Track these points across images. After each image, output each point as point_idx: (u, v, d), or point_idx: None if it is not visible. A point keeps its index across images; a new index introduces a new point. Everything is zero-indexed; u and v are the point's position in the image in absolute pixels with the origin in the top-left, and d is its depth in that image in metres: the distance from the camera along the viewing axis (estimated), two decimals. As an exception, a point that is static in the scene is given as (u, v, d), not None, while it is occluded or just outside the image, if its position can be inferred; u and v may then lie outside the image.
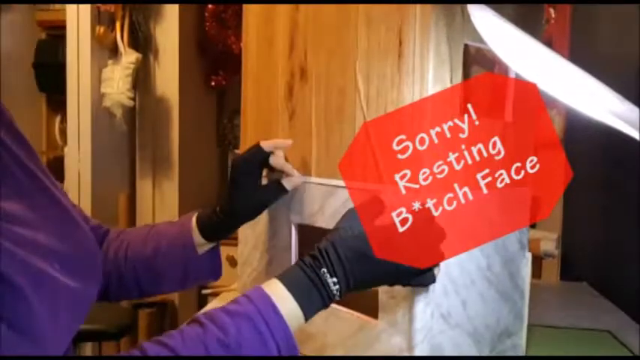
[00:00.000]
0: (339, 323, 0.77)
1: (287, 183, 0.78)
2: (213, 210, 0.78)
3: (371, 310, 0.74)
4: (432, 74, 0.66)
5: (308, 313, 0.58)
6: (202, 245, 0.79)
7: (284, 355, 0.56)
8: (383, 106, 0.70)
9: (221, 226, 0.78)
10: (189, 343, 0.53)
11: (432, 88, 0.66)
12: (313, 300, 0.58)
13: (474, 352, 0.75)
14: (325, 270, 0.58)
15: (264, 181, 0.80)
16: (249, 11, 0.93)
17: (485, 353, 0.78)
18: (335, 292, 0.58)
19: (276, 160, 0.78)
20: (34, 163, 0.58)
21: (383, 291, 0.71)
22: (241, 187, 0.77)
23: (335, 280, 0.58)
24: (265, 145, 0.78)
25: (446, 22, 0.67)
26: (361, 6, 0.72)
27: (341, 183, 0.75)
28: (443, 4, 0.66)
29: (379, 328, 0.71)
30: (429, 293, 0.68)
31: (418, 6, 0.66)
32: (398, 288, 0.68)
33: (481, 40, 0.70)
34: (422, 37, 0.66)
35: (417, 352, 0.68)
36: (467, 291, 0.73)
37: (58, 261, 0.52)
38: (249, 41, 0.94)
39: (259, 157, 0.78)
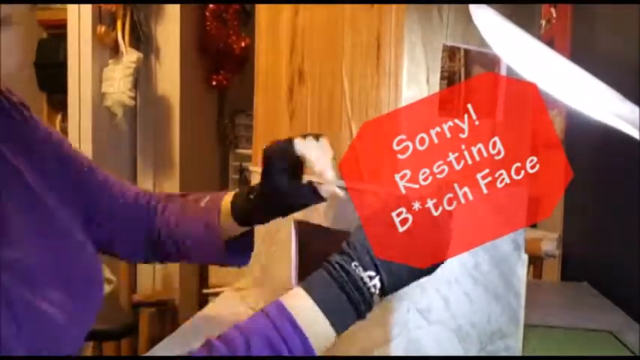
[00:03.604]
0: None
1: (324, 190, 0.67)
2: (247, 193, 0.71)
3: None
4: (405, 75, 0.68)
5: (338, 322, 0.53)
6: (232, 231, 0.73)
7: None
8: (364, 106, 0.72)
9: (254, 210, 0.70)
10: None
11: (406, 89, 0.68)
12: (343, 306, 0.52)
13: (459, 350, 0.76)
14: (357, 264, 0.52)
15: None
16: (261, 16, 0.96)
17: (473, 352, 0.78)
18: (372, 288, 0.53)
19: (315, 162, 0.66)
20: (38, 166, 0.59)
21: None
22: (273, 174, 0.66)
23: (371, 273, 0.52)
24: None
25: (421, 25, 0.69)
26: (348, 10, 0.75)
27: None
28: (418, 6, 0.67)
29: (361, 321, 0.74)
30: (406, 289, 0.69)
31: (394, 9, 0.68)
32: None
33: (462, 41, 0.71)
34: (396, 40, 0.68)
35: (394, 346, 0.70)
36: (449, 288, 0.74)
37: (52, 287, 0.53)
38: (260, 45, 0.96)
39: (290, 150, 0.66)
